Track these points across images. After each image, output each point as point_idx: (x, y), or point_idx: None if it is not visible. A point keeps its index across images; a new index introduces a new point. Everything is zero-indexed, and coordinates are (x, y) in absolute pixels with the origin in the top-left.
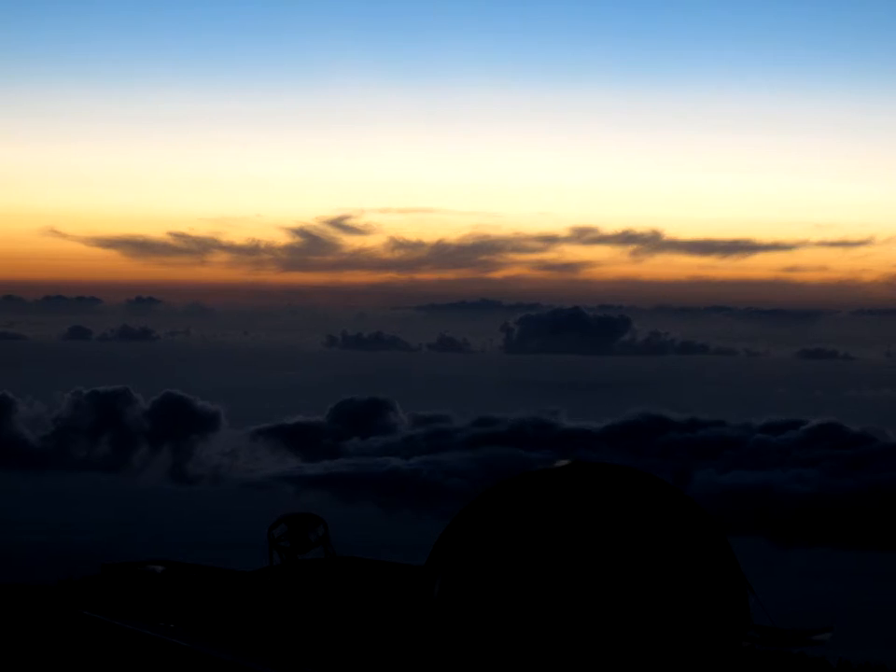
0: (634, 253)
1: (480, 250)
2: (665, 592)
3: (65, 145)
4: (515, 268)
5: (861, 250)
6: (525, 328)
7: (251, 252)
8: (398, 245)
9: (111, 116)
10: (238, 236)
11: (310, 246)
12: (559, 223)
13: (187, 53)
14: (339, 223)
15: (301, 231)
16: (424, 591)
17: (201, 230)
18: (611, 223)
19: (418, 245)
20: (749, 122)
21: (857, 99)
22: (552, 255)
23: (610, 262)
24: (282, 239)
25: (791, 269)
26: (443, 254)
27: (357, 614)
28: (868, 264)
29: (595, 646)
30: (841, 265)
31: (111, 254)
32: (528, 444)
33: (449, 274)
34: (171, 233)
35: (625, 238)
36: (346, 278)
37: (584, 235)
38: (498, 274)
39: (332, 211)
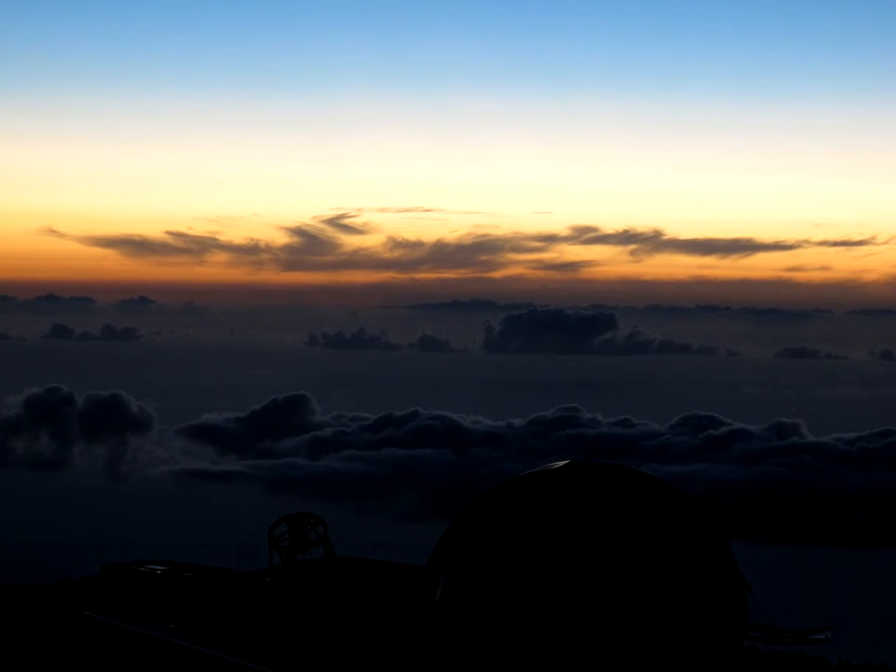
0: (634, 253)
1: (479, 250)
2: (664, 591)
3: (63, 144)
4: (515, 268)
5: (863, 250)
6: (510, 327)
7: (250, 252)
8: (397, 244)
9: (109, 116)
10: (236, 236)
11: (309, 246)
12: (559, 223)
13: (184, 54)
14: (336, 222)
15: (298, 231)
16: (426, 591)
17: (199, 229)
18: (611, 223)
19: (417, 245)
20: (749, 122)
21: (857, 98)
22: (551, 254)
23: (610, 262)
24: (280, 238)
25: (792, 269)
26: (442, 254)
27: (357, 614)
28: (869, 264)
29: (596, 646)
30: (842, 265)
31: (109, 253)
32: (430, 444)
33: (449, 274)
34: (169, 233)
35: (625, 238)
36: (346, 278)
37: (584, 235)
38: (498, 274)
39: (329, 210)
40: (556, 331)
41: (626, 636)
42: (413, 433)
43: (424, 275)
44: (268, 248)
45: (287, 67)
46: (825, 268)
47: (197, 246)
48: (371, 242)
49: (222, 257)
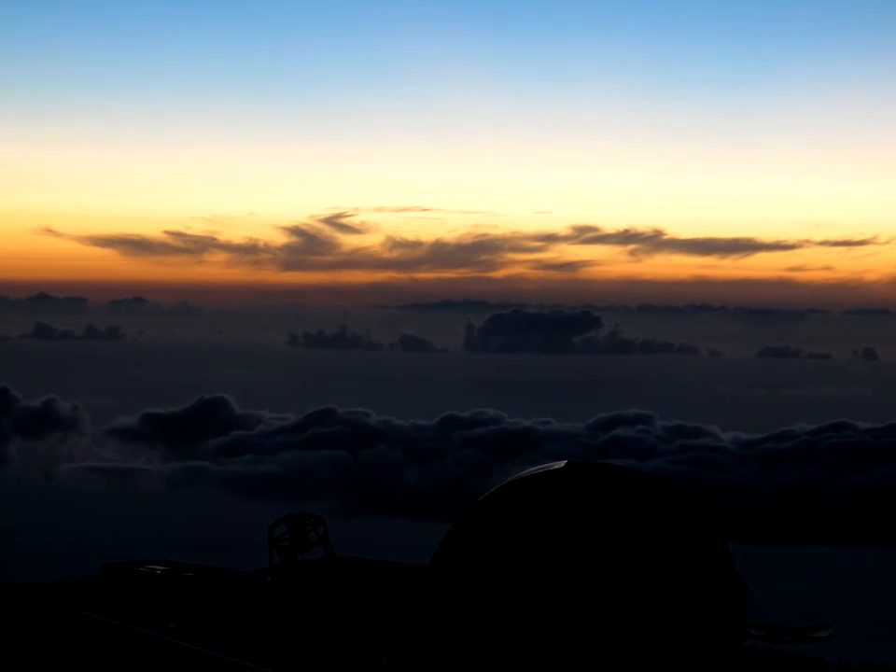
0: (634, 252)
1: (478, 250)
2: (664, 592)
3: (59, 143)
4: (515, 267)
5: (864, 250)
6: (493, 327)
7: (248, 251)
8: (396, 244)
9: (105, 115)
10: (234, 235)
11: (307, 245)
12: (558, 222)
13: (179, 54)
14: (334, 222)
15: (297, 231)
16: (429, 592)
17: (196, 228)
18: (612, 222)
19: (416, 245)
20: (749, 120)
21: (857, 97)
22: (551, 254)
23: (610, 262)
24: (277, 237)
25: (793, 269)
26: (441, 253)
27: (357, 614)
28: (870, 264)
29: (598, 647)
30: (843, 265)
31: (106, 253)
32: (333, 445)
33: (448, 274)
34: (167, 232)
35: (625, 237)
36: (346, 278)
37: (584, 234)
38: (498, 274)
39: (325, 209)
40: (539, 331)
41: (628, 636)
42: (319, 433)
43: (424, 275)
44: (266, 248)
45: (279, 67)
46: (825, 268)
47: (196, 246)
48: (369, 241)
49: (221, 256)
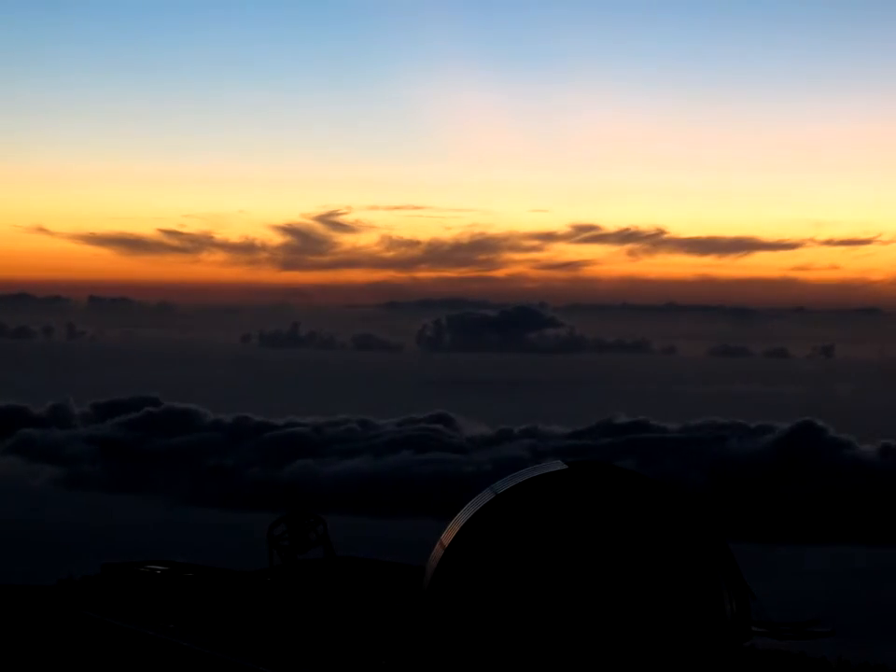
0: (633, 252)
1: (477, 249)
2: (664, 592)
3: (53, 142)
4: (515, 267)
5: (866, 249)
6: (456, 326)
7: (245, 250)
8: (393, 243)
9: (99, 112)
10: (229, 234)
11: (302, 244)
12: (556, 221)
13: (169, 51)
14: (327, 220)
15: (289, 229)
16: (430, 593)
17: (190, 227)
18: (612, 221)
19: (414, 244)
20: (750, 119)
21: (860, 96)
22: (550, 253)
23: (610, 261)
24: (270, 236)
25: (795, 268)
26: (439, 252)
27: (358, 614)
28: (872, 263)
29: (597, 647)
30: (845, 264)
31: (97, 251)
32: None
33: (450, 273)
34: (162, 230)
35: (625, 236)
36: (344, 277)
37: (584, 233)
38: (498, 273)
39: (317, 208)
40: (498, 330)
41: (627, 636)
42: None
43: (424, 274)
44: (263, 247)
45: (267, 64)
46: (822, 267)
47: (192, 245)
48: (365, 240)
49: (218, 255)
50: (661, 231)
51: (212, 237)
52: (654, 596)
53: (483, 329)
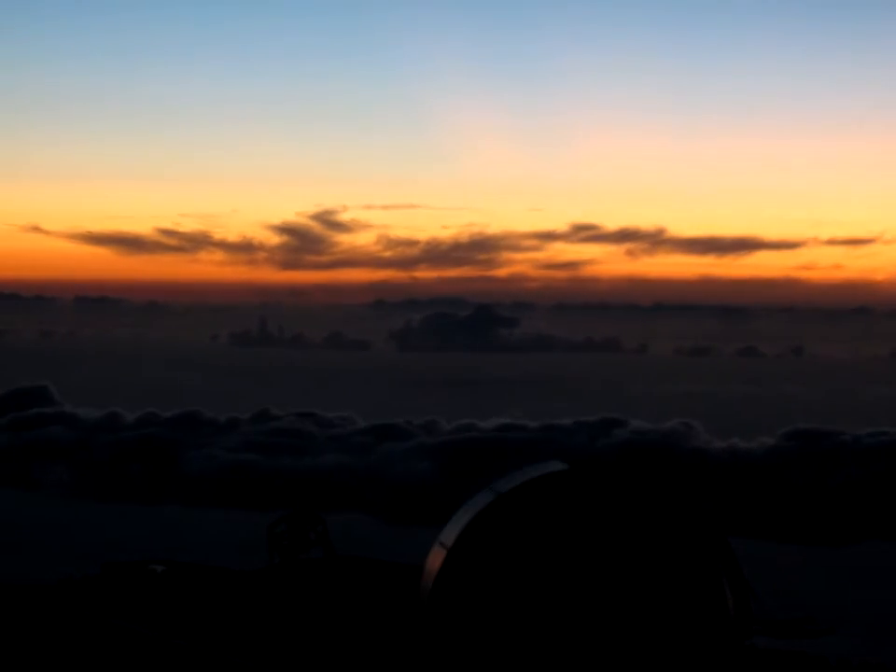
0: (633, 251)
1: (476, 248)
2: (665, 592)
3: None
4: (516, 266)
5: (868, 249)
6: (431, 325)
7: (244, 249)
8: (391, 242)
9: (90, 109)
10: (224, 233)
11: (299, 244)
12: (554, 219)
13: (160, 47)
14: (323, 219)
15: (284, 228)
16: (432, 592)
17: (186, 226)
18: (610, 219)
19: (413, 243)
20: (751, 118)
21: (860, 94)
22: (549, 253)
23: (610, 260)
24: (264, 235)
25: (796, 268)
26: (436, 252)
27: (357, 614)
28: (874, 262)
29: (597, 647)
30: (848, 263)
31: (91, 251)
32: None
33: (450, 272)
34: (158, 230)
35: (625, 235)
36: (343, 276)
37: (583, 233)
38: (499, 272)
39: (313, 206)
40: (470, 329)
41: (627, 636)
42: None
43: (424, 274)
44: (261, 246)
45: (256, 60)
46: (824, 266)
47: (189, 244)
48: (363, 239)
49: (216, 255)
50: (661, 231)
51: (208, 236)
52: (657, 596)
53: (456, 328)
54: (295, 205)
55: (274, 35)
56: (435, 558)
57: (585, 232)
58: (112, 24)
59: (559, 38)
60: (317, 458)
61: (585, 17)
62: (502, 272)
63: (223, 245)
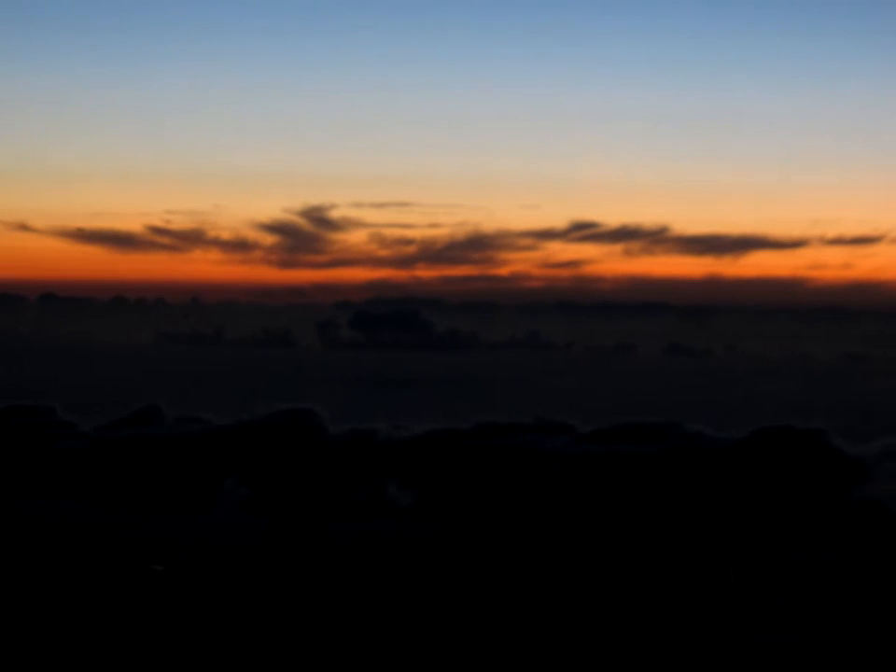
0: (632, 250)
1: (474, 246)
2: (665, 592)
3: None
4: (518, 265)
5: (870, 248)
6: (361, 322)
7: (239, 248)
8: (385, 240)
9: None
10: (211, 230)
11: (292, 242)
12: (553, 219)
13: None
14: (310, 215)
15: (273, 227)
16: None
17: (175, 223)
18: (610, 218)
19: (408, 241)
20: (751, 117)
21: (862, 93)
22: (547, 252)
23: (610, 259)
24: (256, 233)
25: (797, 267)
26: (432, 251)
27: (357, 614)
28: (876, 262)
29: (597, 646)
30: (848, 263)
31: (86, 250)
32: None
33: (448, 271)
34: (148, 227)
35: (625, 234)
36: (337, 275)
37: (582, 231)
38: (500, 271)
39: (300, 204)
40: (402, 327)
41: (628, 636)
42: None
43: (424, 273)
44: (247, 244)
45: (243, 56)
46: (823, 266)
47: (172, 242)
48: (354, 238)
49: (198, 253)
50: (663, 229)
51: (197, 234)
52: (657, 595)
53: (388, 324)
54: (280, 202)
55: (266, 31)
56: None
57: (584, 230)
58: (98, 21)
59: (559, 33)
60: None
61: (585, 9)
62: (504, 269)
63: (217, 243)
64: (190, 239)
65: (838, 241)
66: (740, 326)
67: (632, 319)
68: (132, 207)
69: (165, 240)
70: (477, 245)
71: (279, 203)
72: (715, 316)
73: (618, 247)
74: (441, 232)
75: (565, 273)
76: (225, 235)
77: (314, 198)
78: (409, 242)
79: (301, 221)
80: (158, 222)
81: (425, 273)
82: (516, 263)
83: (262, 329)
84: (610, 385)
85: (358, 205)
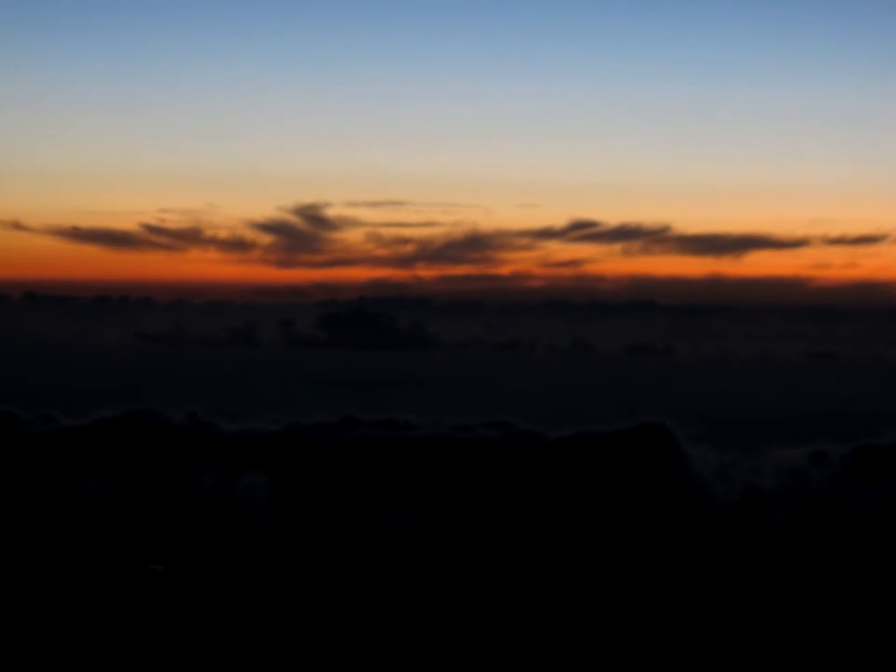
0: (631, 250)
1: (473, 246)
2: (665, 590)
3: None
4: (518, 264)
5: (873, 248)
6: (327, 322)
7: (237, 247)
8: (382, 239)
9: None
10: (207, 229)
11: (289, 241)
12: (552, 218)
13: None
14: (305, 214)
15: (270, 225)
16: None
17: (170, 222)
18: (612, 218)
19: (405, 241)
20: (753, 116)
21: (864, 93)
22: (546, 251)
23: (609, 259)
24: (252, 232)
25: (799, 267)
26: (430, 250)
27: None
28: (879, 262)
29: (598, 644)
30: (851, 262)
31: (82, 248)
32: None
33: (448, 271)
34: (143, 225)
35: (625, 233)
36: (337, 275)
37: (582, 231)
38: (501, 270)
39: (293, 203)
40: (369, 327)
41: (628, 635)
42: None
43: (423, 273)
44: (254, 243)
45: (237, 54)
46: (825, 265)
47: (166, 241)
48: (352, 237)
49: (194, 252)
50: (664, 228)
51: (193, 232)
52: (657, 594)
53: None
54: (274, 201)
55: (261, 30)
56: None
57: (583, 230)
58: (95, 21)
59: (557, 31)
60: None
61: (585, 14)
62: (505, 269)
63: (215, 242)
64: (187, 238)
65: (840, 240)
66: (740, 326)
67: (631, 319)
68: (126, 206)
69: (161, 239)
70: (475, 244)
71: (273, 202)
72: (715, 316)
73: (617, 247)
74: (438, 231)
75: (564, 272)
76: (222, 234)
77: (307, 196)
78: (406, 241)
79: (295, 220)
80: (152, 221)
81: (425, 272)
82: (516, 263)
83: (226, 328)
84: (569, 385)
85: (353, 204)
